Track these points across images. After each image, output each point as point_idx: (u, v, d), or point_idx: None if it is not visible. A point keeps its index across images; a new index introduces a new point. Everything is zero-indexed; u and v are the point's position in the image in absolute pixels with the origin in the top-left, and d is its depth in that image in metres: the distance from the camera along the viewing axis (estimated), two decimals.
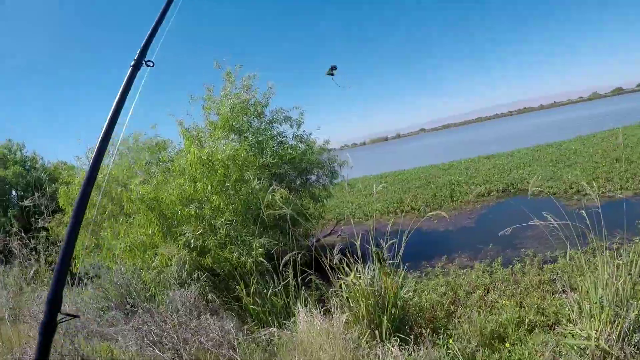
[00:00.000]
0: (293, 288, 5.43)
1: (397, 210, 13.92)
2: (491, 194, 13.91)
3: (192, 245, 5.97)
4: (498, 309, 5.07)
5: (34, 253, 8.05)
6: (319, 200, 10.03)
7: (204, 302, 5.05)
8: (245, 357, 4.02)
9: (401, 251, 4.95)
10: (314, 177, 10.18)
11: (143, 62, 2.40)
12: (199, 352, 4.11)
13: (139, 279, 5.71)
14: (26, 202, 9.39)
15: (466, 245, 8.87)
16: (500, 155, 22.60)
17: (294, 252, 5.57)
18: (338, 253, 4.98)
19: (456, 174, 18.56)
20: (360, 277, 4.78)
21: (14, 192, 15.19)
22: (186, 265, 5.82)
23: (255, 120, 9.21)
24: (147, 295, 5.39)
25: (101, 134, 2.47)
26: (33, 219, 9.09)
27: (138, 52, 2.44)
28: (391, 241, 4.97)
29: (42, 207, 8.86)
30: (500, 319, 4.64)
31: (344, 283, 4.91)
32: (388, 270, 4.85)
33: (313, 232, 9.94)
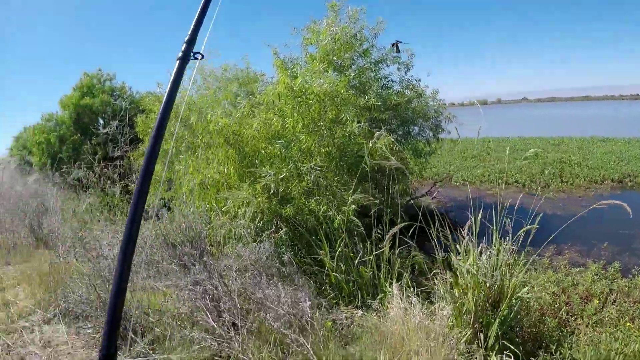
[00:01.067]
0: (387, 258, 4.71)
1: (499, 181, 13.43)
2: (605, 182, 13.13)
3: (273, 190, 5.38)
4: (622, 332, 4.19)
5: (110, 182, 8.21)
6: (421, 156, 9.23)
7: (277, 262, 4.41)
8: (316, 347, 3.35)
9: (524, 234, 4.01)
10: (416, 129, 9.59)
11: (191, 54, 2.18)
12: (261, 328, 3.57)
13: (205, 225, 5.22)
14: (104, 130, 9.57)
15: (577, 238, 8.06)
16: (617, 140, 20.70)
17: (392, 212, 4.82)
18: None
19: (568, 152, 17.51)
20: (476, 262, 3.89)
21: (100, 121, 15.87)
22: (263, 215, 5.29)
23: (360, 58, 8.46)
24: (210, 248, 4.91)
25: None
26: (110, 148, 9.27)
27: (184, 44, 2.18)
28: (516, 218, 4.10)
29: (120, 136, 8.98)
30: (627, 350, 3.74)
31: (454, 265, 4.05)
32: (509, 260, 3.96)
33: (410, 191, 9.27)
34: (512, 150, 18.09)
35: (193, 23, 2.23)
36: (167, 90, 2.10)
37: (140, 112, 12.40)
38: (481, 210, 4.15)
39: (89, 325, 4.36)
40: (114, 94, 16.92)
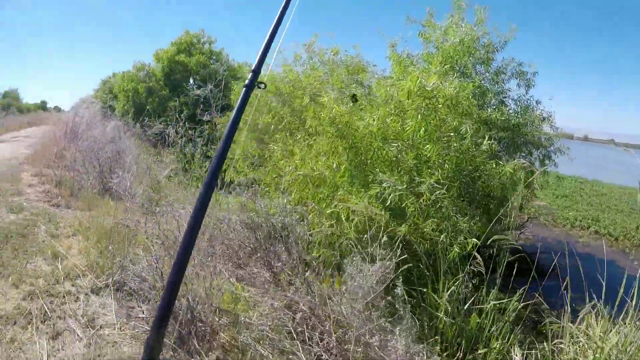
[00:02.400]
0: (494, 306, 4.17)
1: (590, 229, 12.80)
2: None
3: (390, 202, 4.92)
4: None
5: (191, 144, 8.23)
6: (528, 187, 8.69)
7: (383, 294, 3.83)
8: None
9: None
10: (523, 157, 8.76)
11: (255, 84, 2.47)
12: None
13: (300, 224, 4.82)
14: (197, 92, 9.65)
15: None
16: None
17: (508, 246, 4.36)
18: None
19: None
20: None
21: (191, 81, 16.32)
22: (370, 228, 4.86)
23: (479, 66, 7.95)
24: (304, 256, 4.51)
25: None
26: (199, 111, 9.32)
27: (250, 74, 2.47)
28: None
29: (213, 101, 9.00)
30: None
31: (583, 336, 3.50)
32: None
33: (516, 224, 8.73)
34: (606, 198, 17.65)
35: (258, 56, 2.51)
36: (233, 114, 2.35)
37: (235, 80, 12.62)
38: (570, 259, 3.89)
39: (143, 310, 4.06)
40: (212, 57, 17.32)
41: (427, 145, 5.38)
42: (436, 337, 4.13)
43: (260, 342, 3.35)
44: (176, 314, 3.50)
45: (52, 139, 15.18)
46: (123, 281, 4.41)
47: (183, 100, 14.78)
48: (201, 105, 9.39)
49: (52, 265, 5.03)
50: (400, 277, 3.73)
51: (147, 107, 15.23)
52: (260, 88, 2.46)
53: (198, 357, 3.29)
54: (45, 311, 3.98)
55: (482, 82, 7.73)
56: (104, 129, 11.51)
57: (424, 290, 4.53)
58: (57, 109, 48.27)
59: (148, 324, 3.81)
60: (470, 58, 7.53)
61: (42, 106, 51.78)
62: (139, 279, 4.10)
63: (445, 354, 4.06)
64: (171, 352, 3.42)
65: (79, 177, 8.69)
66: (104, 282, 4.56)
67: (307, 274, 3.65)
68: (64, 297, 4.25)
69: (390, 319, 3.42)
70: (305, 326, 3.29)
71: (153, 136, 11.33)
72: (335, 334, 3.15)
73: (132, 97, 16.17)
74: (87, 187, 8.19)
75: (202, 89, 9.94)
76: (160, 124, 10.99)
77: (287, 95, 7.86)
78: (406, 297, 3.74)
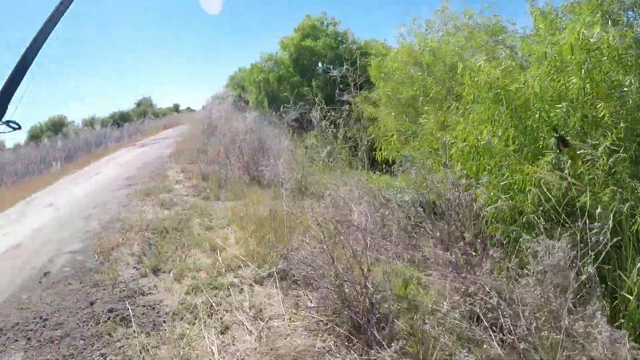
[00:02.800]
0: None
1: None
2: None
3: (566, 171, 4.54)
4: None
5: (332, 126, 8.31)
6: None
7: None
8: None
9: None
10: None
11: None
12: None
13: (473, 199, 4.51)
14: (334, 72, 9.69)
15: None
16: None
17: None
18: None
19: None
20: None
21: (320, 64, 16.54)
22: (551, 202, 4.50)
23: (630, 12, 7.05)
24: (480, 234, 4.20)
25: None
26: (338, 91, 9.36)
27: None
28: None
29: (350, 80, 9.02)
30: None
31: None
32: None
33: None
34: None
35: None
36: None
37: (364, 56, 12.49)
38: None
39: (311, 299, 3.95)
40: (337, 39, 17.35)
41: (600, 104, 4.90)
42: (622, 320, 3.74)
43: (443, 329, 3.09)
44: (350, 302, 3.42)
45: (191, 137, 16.29)
46: (286, 269, 4.43)
47: (315, 84, 15.00)
48: (339, 86, 9.45)
49: (211, 257, 5.24)
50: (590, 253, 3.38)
51: (280, 95, 15.78)
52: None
53: (378, 348, 3.08)
54: (211, 304, 4.09)
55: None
56: (243, 120, 12.06)
57: (607, 267, 4.12)
58: (189, 110, 52.36)
59: (318, 313, 3.73)
60: (619, 3, 6.74)
61: (175, 108, 55.01)
62: (305, 267, 4.04)
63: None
64: (346, 343, 3.31)
65: (223, 170, 9.15)
66: (266, 272, 4.62)
67: (491, 252, 3.37)
68: (228, 289, 4.39)
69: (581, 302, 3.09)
70: (492, 311, 3.03)
71: (290, 123, 11.68)
72: (528, 320, 2.88)
73: (264, 87, 16.77)
74: (233, 178, 8.57)
75: (337, 69, 10.01)
76: (296, 109, 11.30)
77: (428, 65, 7.61)
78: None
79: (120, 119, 39.09)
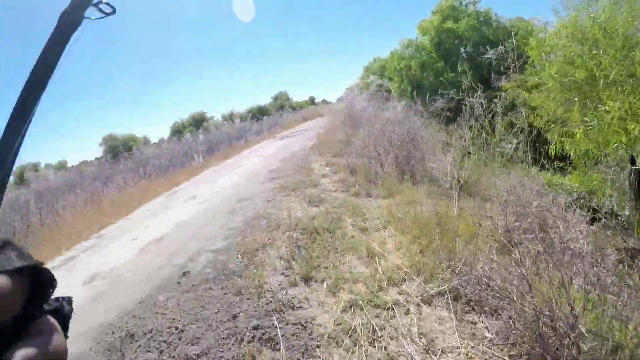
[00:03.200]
0: None
1: None
2: None
3: None
4: None
5: (490, 115, 7.76)
6: None
7: None
8: None
9: None
10: None
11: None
12: None
13: None
14: (489, 54, 9.08)
15: None
16: None
17: None
18: None
19: None
20: None
21: (462, 48, 15.77)
22: None
23: None
24: None
25: None
26: (494, 75, 8.74)
27: None
28: None
29: (507, 63, 8.38)
30: None
31: None
32: None
33: None
34: None
35: None
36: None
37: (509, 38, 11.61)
38: None
39: (487, 327, 3.39)
40: (479, 19, 16.42)
41: None
42: None
43: None
44: (548, 344, 2.79)
45: (332, 129, 16.27)
46: (462, 289, 3.79)
47: (461, 69, 14.33)
48: (493, 70, 8.83)
49: (369, 265, 4.74)
50: None
51: (424, 82, 15.29)
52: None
53: None
54: (373, 328, 3.54)
55: None
56: (389, 111, 11.77)
57: None
58: (325, 102, 54.23)
59: (501, 350, 3.13)
60: None
61: (311, 101, 56.70)
62: (483, 287, 3.45)
63: None
64: None
65: (372, 163, 8.89)
66: (436, 289, 4.00)
67: None
68: (391, 309, 3.80)
69: None
70: None
71: (437, 111, 11.20)
72: None
73: (406, 75, 16.31)
74: (383, 173, 8.18)
75: (492, 50, 9.39)
76: (442, 97, 10.79)
77: (598, 41, 6.74)
78: None
79: (258, 113, 40.74)
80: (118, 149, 35.76)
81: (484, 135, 8.36)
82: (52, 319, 0.80)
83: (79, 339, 4.15)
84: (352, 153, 10.45)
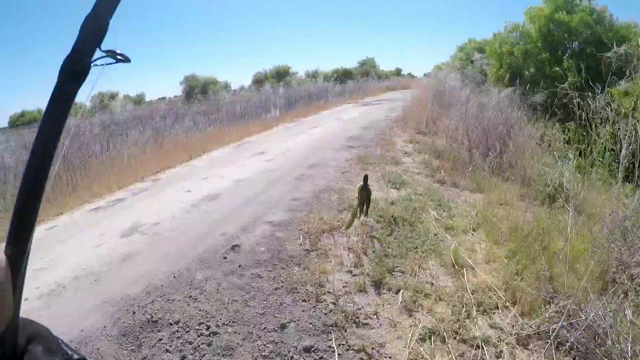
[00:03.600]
0: None
1: None
2: None
3: None
4: None
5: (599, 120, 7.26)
6: None
7: None
8: None
9: None
10: None
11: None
12: None
13: None
14: (609, 54, 8.48)
15: None
16: None
17: None
18: None
19: None
20: None
21: (569, 44, 14.88)
22: None
23: None
24: None
25: None
26: (611, 77, 8.13)
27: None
28: None
29: (629, 67, 7.81)
30: None
31: None
32: None
33: None
34: None
35: None
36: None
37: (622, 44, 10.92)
38: None
39: None
40: (592, 16, 15.44)
41: None
42: None
43: None
44: None
45: (418, 103, 15.74)
46: (564, 330, 3.15)
47: (566, 65, 13.56)
48: (610, 71, 8.21)
49: (454, 278, 4.12)
50: None
51: (524, 72, 14.57)
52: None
53: None
54: None
55: None
56: (490, 96, 11.23)
57: None
58: (411, 76, 53.38)
59: None
60: None
61: (397, 72, 55.53)
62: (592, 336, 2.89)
63: None
64: None
65: (459, 149, 8.48)
66: (534, 328, 3.31)
67: None
68: (479, 347, 3.14)
69: None
70: None
71: (535, 106, 10.67)
72: None
73: (507, 61, 15.56)
74: (472, 163, 7.73)
75: (614, 50, 8.78)
76: (542, 91, 10.22)
77: None
78: None
79: (343, 76, 40.32)
80: (193, 90, 36.26)
81: (587, 140, 7.86)
82: None
83: (95, 312, 3.73)
84: (438, 134, 10.10)
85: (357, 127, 12.88)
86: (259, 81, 41.08)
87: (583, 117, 7.26)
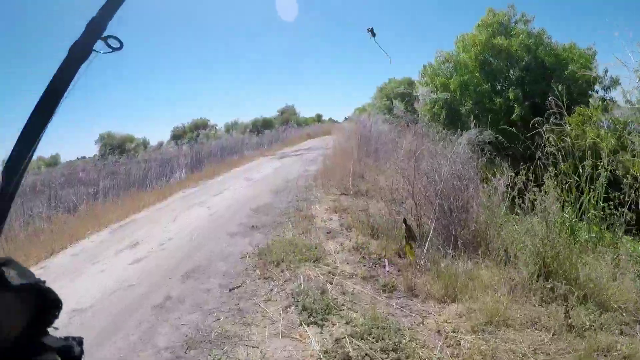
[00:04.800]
0: None
1: None
2: None
3: None
4: None
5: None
6: None
7: None
8: None
9: None
10: None
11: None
12: None
13: None
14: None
15: None
16: None
17: None
18: None
19: None
20: None
21: (511, 71, 13.36)
22: None
23: None
24: None
25: None
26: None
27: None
28: None
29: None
30: None
31: None
32: None
33: None
34: None
35: None
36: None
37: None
38: None
39: None
40: (531, 39, 14.18)
41: None
42: None
43: None
44: None
45: (341, 152, 13.53)
46: None
47: (512, 95, 11.93)
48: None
49: None
50: None
51: (460, 107, 12.91)
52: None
53: None
54: None
55: None
56: (413, 138, 8.85)
57: None
58: (332, 120, 52.69)
59: None
60: None
61: (318, 118, 55.77)
62: None
63: None
64: None
65: (405, 214, 5.92)
66: None
67: None
68: None
69: None
70: None
71: (484, 146, 8.72)
72: None
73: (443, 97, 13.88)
74: (427, 240, 5.20)
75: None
76: (487, 129, 8.37)
77: None
78: None
79: (263, 126, 40.20)
80: (109, 149, 33.62)
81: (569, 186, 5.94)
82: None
83: None
84: (370, 192, 7.70)
85: (268, 190, 10.37)
86: (177, 136, 40.83)
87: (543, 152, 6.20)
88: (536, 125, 7.06)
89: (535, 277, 4.34)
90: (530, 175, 5.81)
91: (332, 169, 11.34)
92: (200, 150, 23.69)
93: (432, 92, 14.61)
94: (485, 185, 6.57)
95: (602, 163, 5.97)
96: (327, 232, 6.42)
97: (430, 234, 5.22)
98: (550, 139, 6.41)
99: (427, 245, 5.06)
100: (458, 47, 14.56)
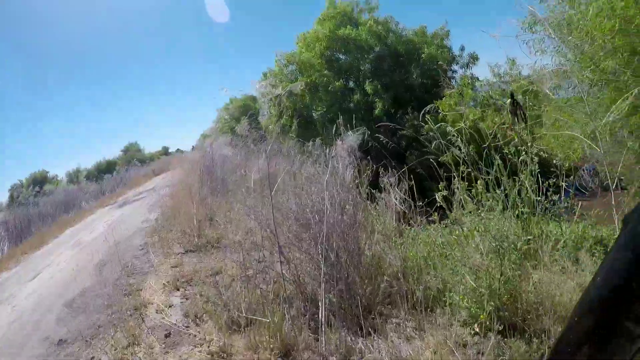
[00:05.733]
0: None
1: None
2: None
3: None
4: None
5: None
6: None
7: None
8: None
9: None
10: None
11: None
12: None
13: None
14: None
15: None
16: None
17: None
18: None
19: None
20: None
21: (362, 64, 12.19)
22: None
23: None
24: None
25: None
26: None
27: None
28: None
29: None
30: None
31: None
32: None
33: None
34: None
35: None
36: None
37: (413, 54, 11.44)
38: None
39: None
40: (378, 27, 13.28)
41: None
42: None
43: None
44: None
45: (183, 190, 11.32)
46: None
47: (371, 88, 10.66)
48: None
49: None
50: None
51: (317, 112, 11.54)
52: None
53: None
54: None
55: None
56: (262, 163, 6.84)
57: None
58: (179, 151, 50.69)
59: None
60: None
61: (165, 152, 53.98)
62: None
63: None
64: None
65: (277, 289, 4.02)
66: None
67: None
68: None
69: None
70: None
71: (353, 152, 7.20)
72: None
73: (289, 104, 12.32)
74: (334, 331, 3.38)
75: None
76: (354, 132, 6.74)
77: None
78: None
79: (106, 169, 38.49)
80: None
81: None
82: None
83: None
84: (222, 242, 5.76)
85: (94, 263, 7.81)
86: (16, 195, 35.96)
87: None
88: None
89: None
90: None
91: (172, 215, 9.10)
92: (27, 214, 20.40)
93: (272, 85, 12.84)
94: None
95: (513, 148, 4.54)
96: (166, 335, 4.23)
97: (323, 313, 3.25)
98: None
99: (324, 337, 3.09)
100: (300, 46, 13.36)
